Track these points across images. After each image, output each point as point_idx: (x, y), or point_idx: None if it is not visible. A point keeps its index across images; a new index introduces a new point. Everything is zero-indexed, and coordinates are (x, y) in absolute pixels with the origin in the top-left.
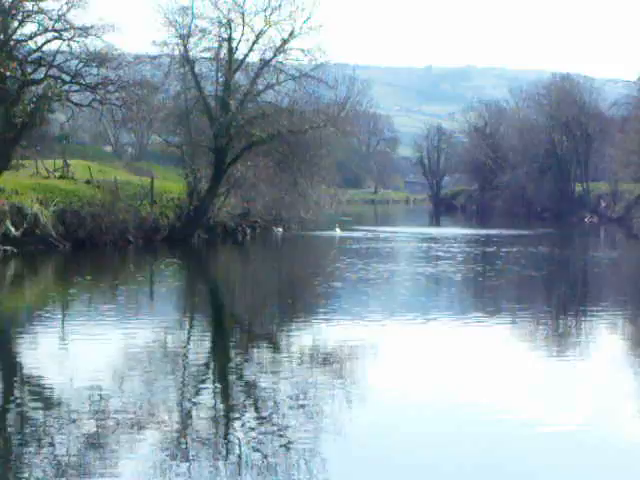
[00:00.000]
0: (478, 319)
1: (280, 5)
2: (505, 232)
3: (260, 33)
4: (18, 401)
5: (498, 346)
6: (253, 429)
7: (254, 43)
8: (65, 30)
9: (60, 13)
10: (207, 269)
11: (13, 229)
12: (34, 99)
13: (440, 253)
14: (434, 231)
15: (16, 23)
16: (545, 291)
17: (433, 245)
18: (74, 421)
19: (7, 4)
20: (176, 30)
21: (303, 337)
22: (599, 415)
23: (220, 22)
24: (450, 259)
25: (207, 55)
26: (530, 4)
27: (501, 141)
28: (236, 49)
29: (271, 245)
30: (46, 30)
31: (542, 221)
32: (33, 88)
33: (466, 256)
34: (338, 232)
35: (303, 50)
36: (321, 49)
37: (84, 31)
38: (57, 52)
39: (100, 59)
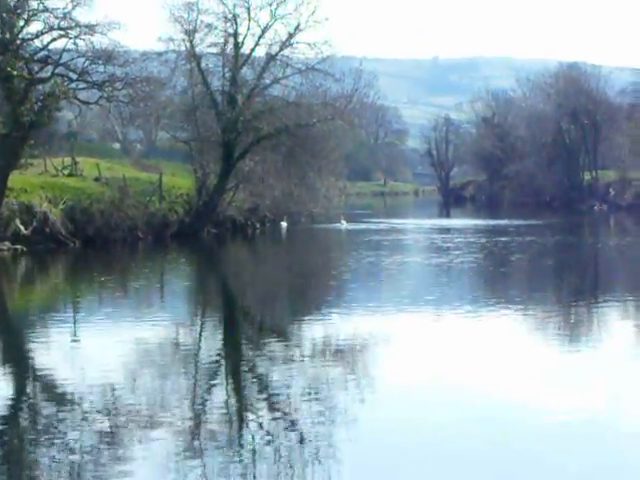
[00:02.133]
0: (490, 309)
1: None
2: (515, 222)
3: (266, 27)
4: (30, 399)
5: (510, 336)
6: (266, 424)
7: (260, 37)
8: (71, 28)
9: (65, 11)
10: (217, 264)
11: (22, 228)
12: (41, 98)
13: (450, 244)
14: (444, 222)
15: (22, 22)
16: (556, 280)
17: (443, 236)
18: (86, 419)
19: (12, 3)
20: (182, 26)
21: (315, 331)
22: (612, 402)
23: (226, 17)
24: (461, 250)
25: (213, 50)
26: None
27: (509, 131)
28: (242, 44)
29: (280, 239)
30: (52, 28)
31: (551, 210)
32: (40, 87)
33: (477, 247)
34: (344, 225)
35: (309, 44)
36: (327, 42)
37: (90, 29)
38: (63, 50)
39: (106, 56)
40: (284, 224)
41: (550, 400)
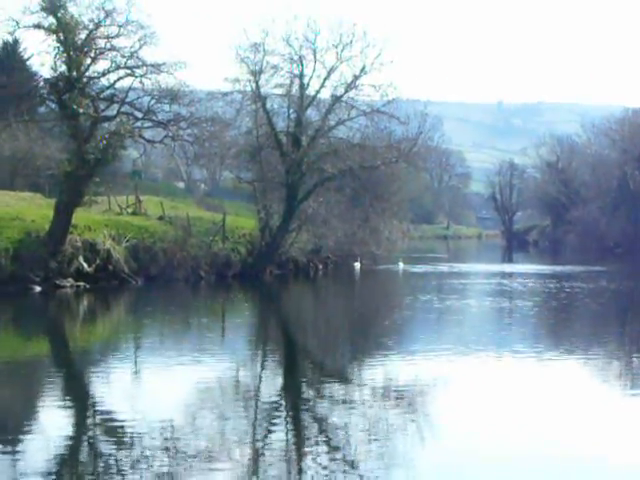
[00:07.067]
0: (551, 354)
1: (351, 41)
2: (578, 268)
3: (331, 69)
4: (91, 436)
5: (571, 382)
6: (325, 465)
7: (325, 79)
8: (137, 67)
9: (132, 50)
10: (279, 305)
11: (86, 265)
12: (107, 136)
13: (513, 289)
14: (507, 267)
15: (89, 60)
16: (619, 327)
17: (506, 281)
18: (145, 458)
19: (80, 41)
20: (248, 67)
21: (375, 372)
22: None
23: (292, 58)
24: (523, 295)
25: (279, 91)
26: (601, 39)
27: (573, 176)
28: (308, 85)
29: (343, 280)
30: (118, 67)
31: (615, 256)
32: (106, 125)
33: (539, 292)
34: (401, 267)
35: (374, 86)
36: (392, 85)
37: (156, 68)
38: (129, 89)
39: (172, 96)
40: (357, 264)
41: (608, 447)
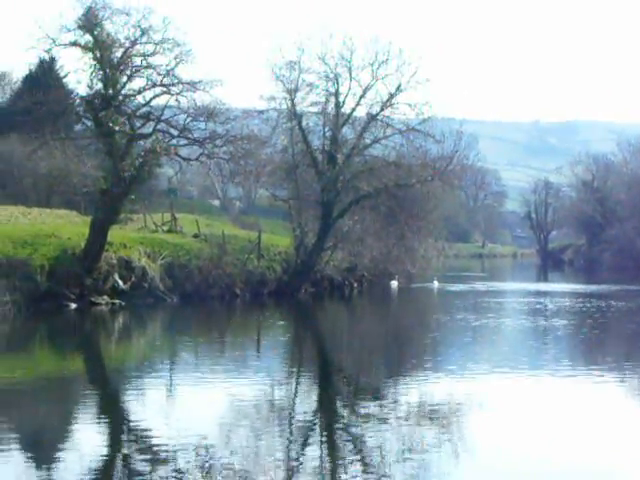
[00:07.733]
0: (586, 374)
1: (387, 59)
2: (614, 287)
3: (367, 87)
4: (125, 454)
5: (606, 402)
6: None
7: (361, 97)
8: (173, 85)
9: (168, 68)
10: (314, 323)
11: (121, 282)
12: (142, 153)
13: (548, 308)
14: (542, 286)
15: (125, 78)
16: None
17: (541, 300)
18: (181, 475)
19: (116, 59)
20: (284, 84)
21: (411, 391)
22: None
23: (327, 76)
24: (558, 314)
25: (314, 109)
26: (638, 57)
27: (609, 195)
28: (343, 103)
29: (378, 299)
30: (154, 85)
31: None
32: (141, 142)
33: (574, 311)
34: (436, 285)
35: (410, 104)
36: (428, 103)
37: (192, 86)
38: (165, 107)
39: (208, 113)
40: (394, 283)
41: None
